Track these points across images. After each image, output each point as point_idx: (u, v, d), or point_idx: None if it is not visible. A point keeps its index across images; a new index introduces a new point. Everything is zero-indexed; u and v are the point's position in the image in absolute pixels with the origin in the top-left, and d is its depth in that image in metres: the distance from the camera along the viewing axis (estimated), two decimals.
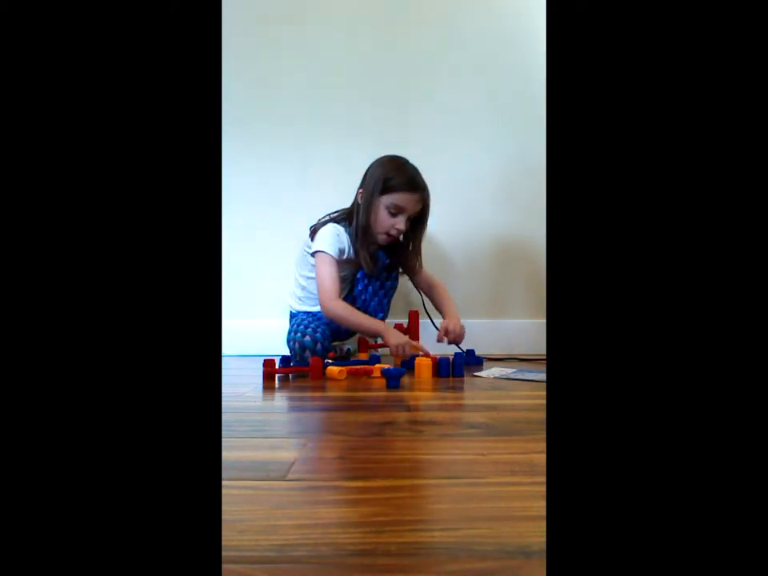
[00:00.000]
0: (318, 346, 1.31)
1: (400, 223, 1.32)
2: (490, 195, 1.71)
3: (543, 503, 0.46)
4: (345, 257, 1.39)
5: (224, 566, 0.35)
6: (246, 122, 1.69)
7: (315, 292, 1.40)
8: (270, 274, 1.69)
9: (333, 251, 1.35)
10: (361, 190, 1.35)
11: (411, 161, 1.39)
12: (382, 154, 1.44)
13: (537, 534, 0.41)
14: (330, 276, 1.32)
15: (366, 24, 1.70)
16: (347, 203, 1.49)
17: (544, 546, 0.38)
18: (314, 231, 1.41)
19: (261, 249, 1.70)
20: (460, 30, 1.70)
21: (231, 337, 1.64)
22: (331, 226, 1.39)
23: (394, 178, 1.31)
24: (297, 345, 1.32)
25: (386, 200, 1.31)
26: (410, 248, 1.40)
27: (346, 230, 1.40)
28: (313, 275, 1.40)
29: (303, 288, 1.46)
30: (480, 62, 1.70)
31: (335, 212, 1.44)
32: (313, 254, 1.37)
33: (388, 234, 1.34)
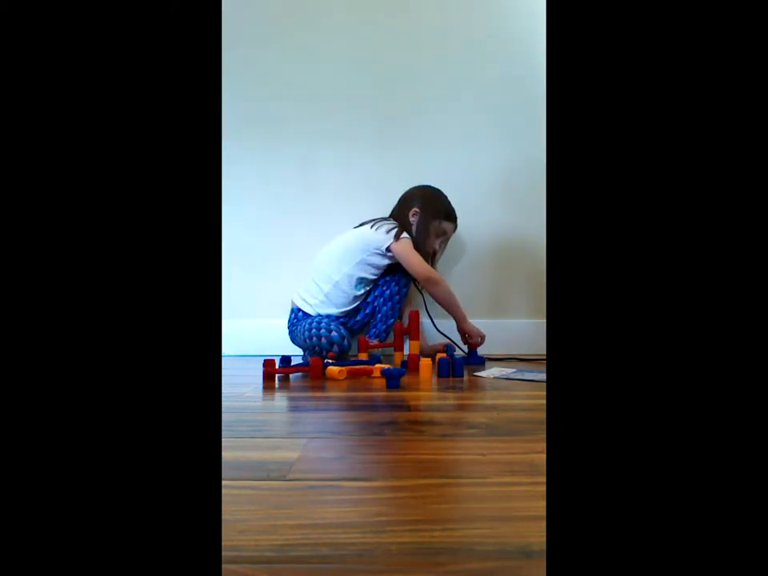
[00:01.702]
0: (345, 341, 1.41)
1: (438, 243, 1.56)
2: (490, 195, 1.71)
3: (543, 503, 0.46)
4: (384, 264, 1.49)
5: (224, 566, 0.35)
6: (246, 123, 1.69)
7: (336, 297, 1.47)
8: (270, 274, 1.69)
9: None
10: (416, 209, 1.51)
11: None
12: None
13: (537, 534, 0.41)
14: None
15: (367, 25, 1.70)
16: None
17: (544, 546, 0.38)
18: (389, 230, 1.48)
19: (261, 249, 1.70)
20: (460, 31, 1.70)
21: (231, 337, 1.64)
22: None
23: (446, 208, 1.55)
24: (324, 340, 1.39)
25: (440, 224, 1.53)
26: (434, 260, 1.60)
27: None
28: (338, 278, 1.47)
29: (327, 294, 1.48)
30: (480, 62, 1.70)
31: (387, 218, 1.53)
32: (387, 249, 1.46)
33: (428, 252, 1.54)
